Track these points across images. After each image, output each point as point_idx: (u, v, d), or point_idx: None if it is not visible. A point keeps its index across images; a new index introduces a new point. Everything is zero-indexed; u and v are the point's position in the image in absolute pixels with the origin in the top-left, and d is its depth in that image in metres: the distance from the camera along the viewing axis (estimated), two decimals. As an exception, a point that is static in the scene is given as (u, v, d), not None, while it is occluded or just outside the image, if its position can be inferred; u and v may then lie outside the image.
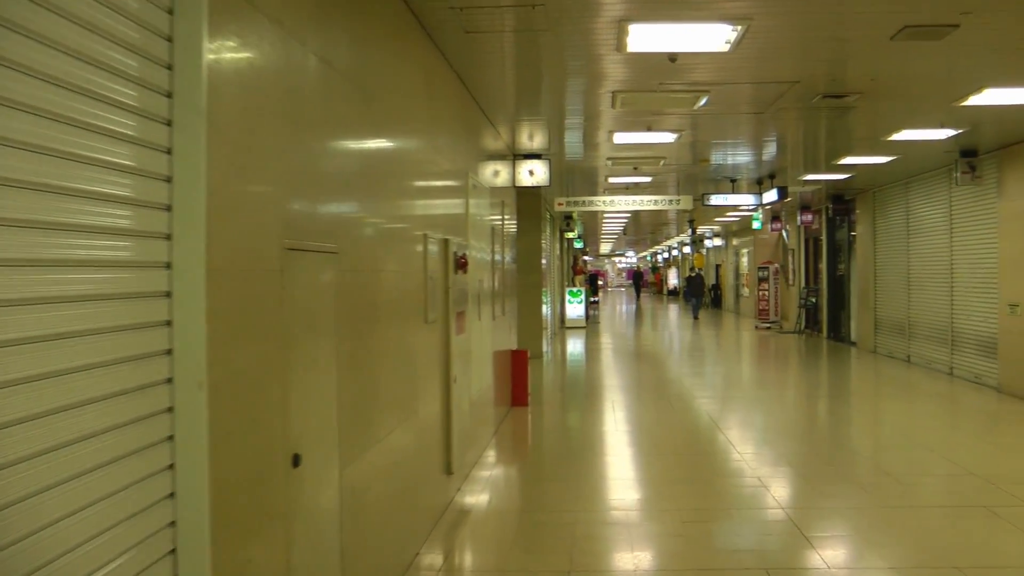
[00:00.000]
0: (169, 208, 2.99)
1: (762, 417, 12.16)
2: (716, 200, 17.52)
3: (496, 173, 12.22)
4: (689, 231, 34.50)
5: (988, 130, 12.61)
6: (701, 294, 35.34)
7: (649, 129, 11.66)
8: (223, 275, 3.26)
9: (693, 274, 35.30)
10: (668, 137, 12.11)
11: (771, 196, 16.93)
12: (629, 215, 29.04)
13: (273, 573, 3.76)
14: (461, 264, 8.12)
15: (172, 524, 2.99)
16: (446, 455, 7.69)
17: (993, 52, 8.09)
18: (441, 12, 6.68)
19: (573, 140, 13.00)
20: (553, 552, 6.50)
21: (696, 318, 33.30)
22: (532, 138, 12.88)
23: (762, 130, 12.24)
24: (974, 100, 9.94)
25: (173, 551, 2.98)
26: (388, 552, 5.70)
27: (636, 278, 59.59)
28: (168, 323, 3.00)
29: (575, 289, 30.43)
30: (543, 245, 20.88)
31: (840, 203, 21.90)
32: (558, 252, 28.58)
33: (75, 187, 2.50)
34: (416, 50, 6.85)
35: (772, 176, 17.18)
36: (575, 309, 29.99)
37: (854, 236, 22.07)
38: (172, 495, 2.99)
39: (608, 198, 17.65)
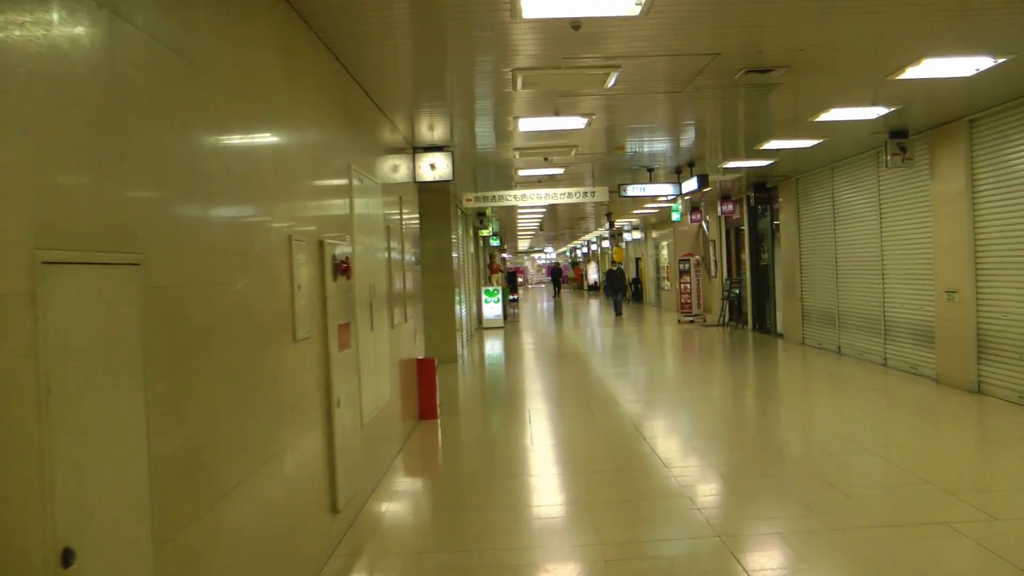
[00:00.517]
0: None
1: (690, 422, 11.20)
2: (633, 191, 16.56)
3: (395, 168, 11.12)
4: (607, 224, 33.47)
5: (919, 110, 11.82)
6: (622, 289, 34.18)
7: (557, 114, 10.62)
8: None
9: (614, 268, 34.03)
10: (579, 122, 11.07)
11: (691, 185, 16.02)
12: (545, 210, 27.97)
13: None
14: (342, 269, 6.98)
15: None
16: (331, 491, 6.55)
17: (942, 14, 7.20)
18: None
19: (476, 130, 11.91)
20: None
21: (619, 314, 32.26)
22: (432, 129, 11.77)
23: (680, 113, 11.27)
24: (911, 72, 9.07)
25: None
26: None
27: (555, 274, 58.72)
28: None
29: (492, 288, 29.37)
30: (454, 243, 19.79)
31: (762, 191, 21.14)
32: (472, 251, 27.50)
33: None
34: (269, 17, 5.69)
35: (691, 164, 16.28)
36: (492, 309, 28.99)
37: (777, 225, 21.33)
38: None
39: (520, 192, 16.59)
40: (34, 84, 2.91)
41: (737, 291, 24.76)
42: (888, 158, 13.45)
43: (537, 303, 50.35)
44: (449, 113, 10.81)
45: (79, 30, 3.21)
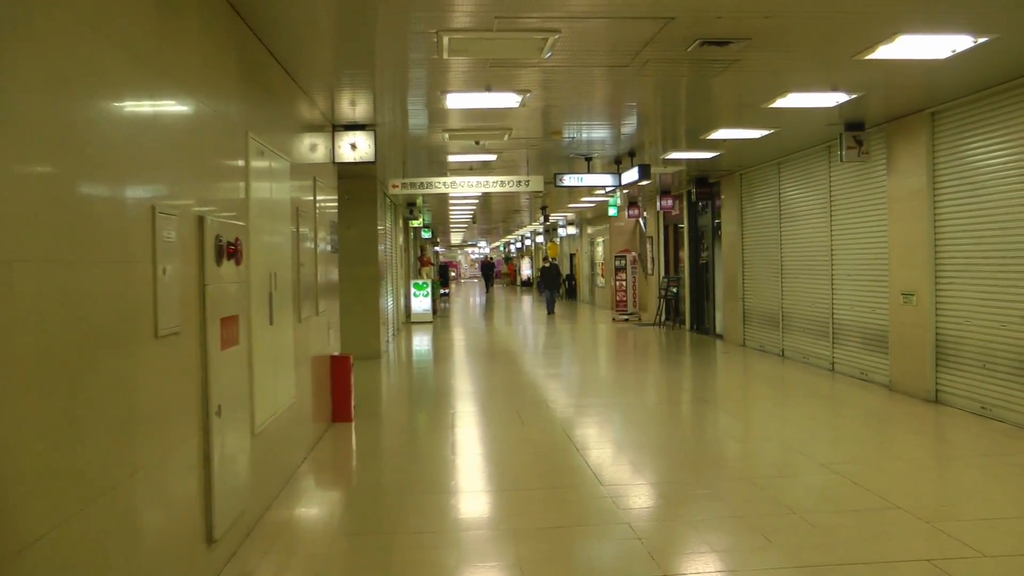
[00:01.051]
0: None
1: (627, 431, 10.21)
2: (570, 181, 15.56)
3: (311, 147, 10.02)
4: (542, 219, 32.41)
5: (878, 100, 11.01)
6: (556, 286, 32.95)
7: (489, 89, 9.56)
8: None
9: (547, 264, 32.92)
10: (512, 100, 10.02)
11: (631, 176, 15.07)
12: (477, 201, 26.88)
13: None
14: (230, 252, 5.87)
15: None
16: (206, 517, 5.44)
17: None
18: None
19: (402, 107, 10.81)
20: None
21: (551, 312, 31.06)
22: (354, 105, 10.68)
23: (623, 93, 10.27)
24: (882, 52, 8.19)
25: None
26: None
27: (486, 269, 57.66)
28: None
29: (421, 281, 28.26)
30: (381, 233, 18.66)
31: (704, 187, 20.28)
32: (401, 242, 26.37)
33: None
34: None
35: (632, 154, 15.33)
36: (421, 303, 27.90)
37: (719, 222, 20.48)
38: None
39: (450, 179, 15.50)
40: None
41: (675, 290, 23.93)
42: (843, 152, 12.62)
43: (469, 298, 49.27)
44: (372, 86, 9.72)
45: None
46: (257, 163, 6.94)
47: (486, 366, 16.81)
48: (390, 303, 21.60)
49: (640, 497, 7.41)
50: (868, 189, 13.19)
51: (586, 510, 7.04)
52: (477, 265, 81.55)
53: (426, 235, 36.81)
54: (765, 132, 12.96)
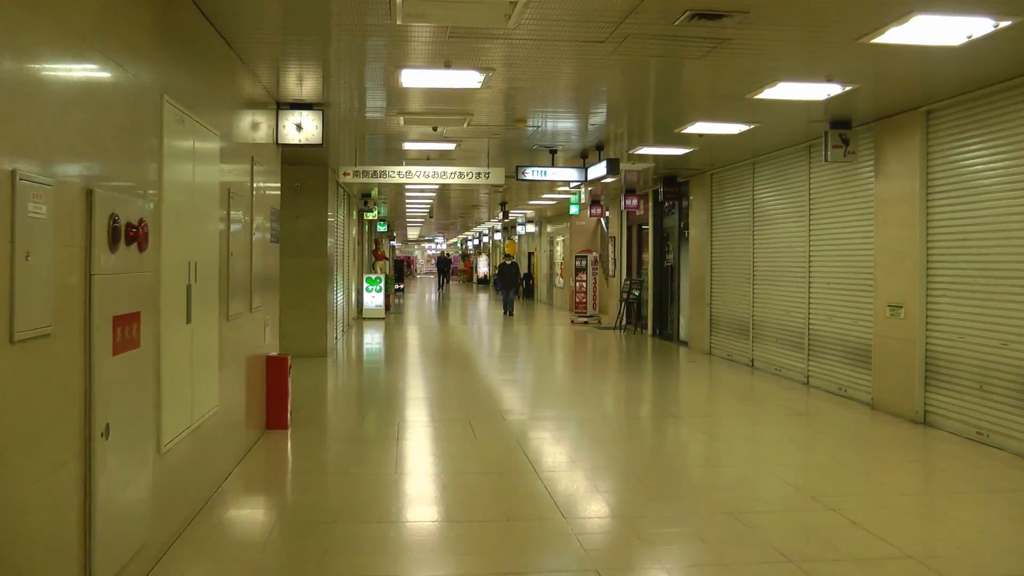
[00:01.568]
0: None
1: (592, 450, 9.23)
2: (532, 174, 14.55)
3: (250, 124, 9.01)
4: (501, 215, 31.29)
5: (868, 96, 10.17)
6: (515, 285, 31.27)
7: (448, 66, 8.55)
8: None
9: (507, 262, 31.26)
10: (473, 79, 9.01)
11: (598, 171, 14.12)
12: (434, 194, 25.80)
13: None
14: (132, 236, 4.84)
15: None
16: (84, 563, 4.41)
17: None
18: None
19: (353, 84, 9.80)
20: None
21: (510, 313, 29.50)
22: (302, 81, 9.66)
23: (595, 75, 9.29)
24: (891, 34, 7.31)
25: None
26: None
27: (442, 265, 56.54)
28: None
29: (374, 276, 27.17)
30: (332, 224, 17.60)
31: (672, 186, 19.37)
32: (355, 234, 25.27)
33: None
34: None
35: (600, 147, 14.38)
36: (374, 298, 26.79)
37: (686, 224, 19.60)
38: None
39: (405, 168, 14.47)
40: None
41: (637, 293, 23.03)
42: (828, 151, 11.74)
43: (424, 294, 48.16)
44: (321, 57, 8.71)
45: None
46: (176, 133, 5.90)
47: (438, 368, 15.80)
48: (340, 298, 20.54)
49: (610, 534, 6.44)
50: (852, 192, 12.34)
51: (549, 551, 6.06)
52: (433, 261, 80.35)
53: (382, 228, 35.74)
54: (744, 127, 12.06)
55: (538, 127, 12.51)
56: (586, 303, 27.02)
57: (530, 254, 41.90)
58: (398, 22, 6.95)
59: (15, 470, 3.64)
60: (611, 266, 25.88)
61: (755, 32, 7.38)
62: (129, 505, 4.91)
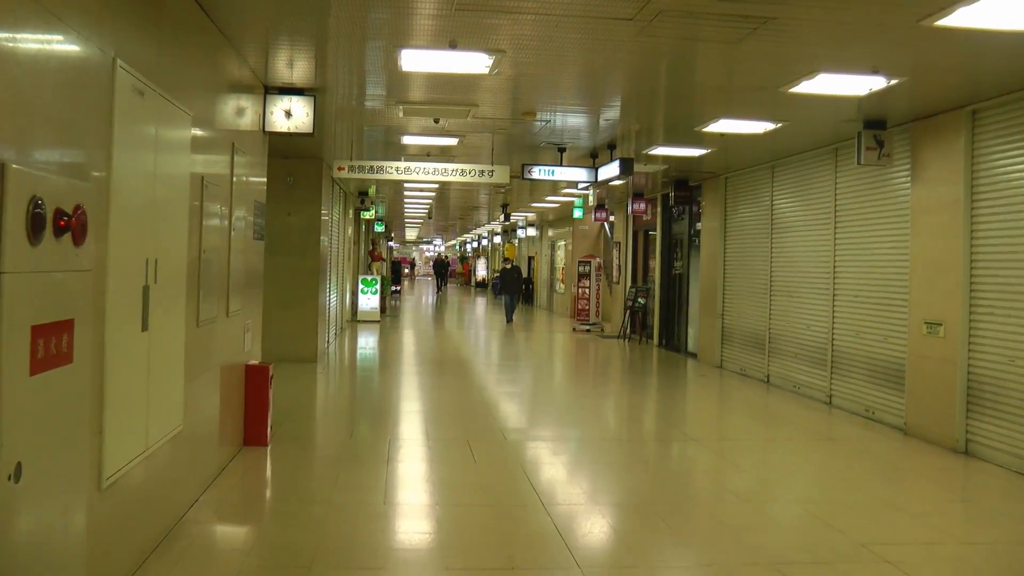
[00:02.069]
0: None
1: (606, 480, 8.30)
2: (539, 173, 13.63)
3: (233, 108, 8.16)
4: (502, 217, 30.24)
5: (905, 94, 9.30)
6: (517, 290, 29.47)
7: (454, 46, 7.63)
8: None
9: (508, 266, 29.40)
10: (480, 63, 8.10)
11: (610, 171, 13.21)
12: (433, 193, 24.81)
13: None
14: (61, 225, 3.91)
15: None
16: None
17: None
18: None
19: (348, 66, 8.89)
20: None
21: (509, 320, 27.95)
22: (292, 65, 8.78)
23: (617, 61, 8.37)
24: (959, 15, 6.40)
25: None
26: None
27: (439, 267, 55.56)
28: None
29: (370, 278, 26.24)
30: (325, 222, 16.68)
31: (683, 190, 18.45)
32: (350, 233, 24.35)
33: None
34: None
35: (612, 146, 13.47)
36: (369, 300, 25.88)
37: (697, 230, 18.69)
38: None
39: (404, 164, 13.55)
40: None
41: (643, 301, 22.09)
42: (861, 153, 10.84)
43: (422, 296, 47.20)
44: (315, 35, 7.81)
45: None
46: (132, 107, 4.99)
47: (434, 378, 14.86)
48: (334, 300, 19.61)
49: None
50: (884, 199, 11.43)
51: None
52: (431, 263, 79.42)
53: (379, 228, 34.83)
54: (770, 126, 11.15)
55: (547, 122, 11.60)
56: (588, 310, 26.10)
57: (530, 258, 40.97)
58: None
59: None
60: (615, 272, 24.96)
61: (803, 11, 6.49)
62: (53, 556, 3.99)
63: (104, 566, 4.72)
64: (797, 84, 8.70)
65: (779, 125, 11.06)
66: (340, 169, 13.36)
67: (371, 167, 13.41)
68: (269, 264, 15.54)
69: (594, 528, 6.66)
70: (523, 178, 13.70)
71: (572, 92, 9.93)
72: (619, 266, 24.57)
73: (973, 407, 9.54)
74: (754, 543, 6.39)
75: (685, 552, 6.23)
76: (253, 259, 9.10)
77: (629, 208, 21.23)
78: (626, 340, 22.32)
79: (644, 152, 13.80)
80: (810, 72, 8.31)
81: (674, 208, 19.44)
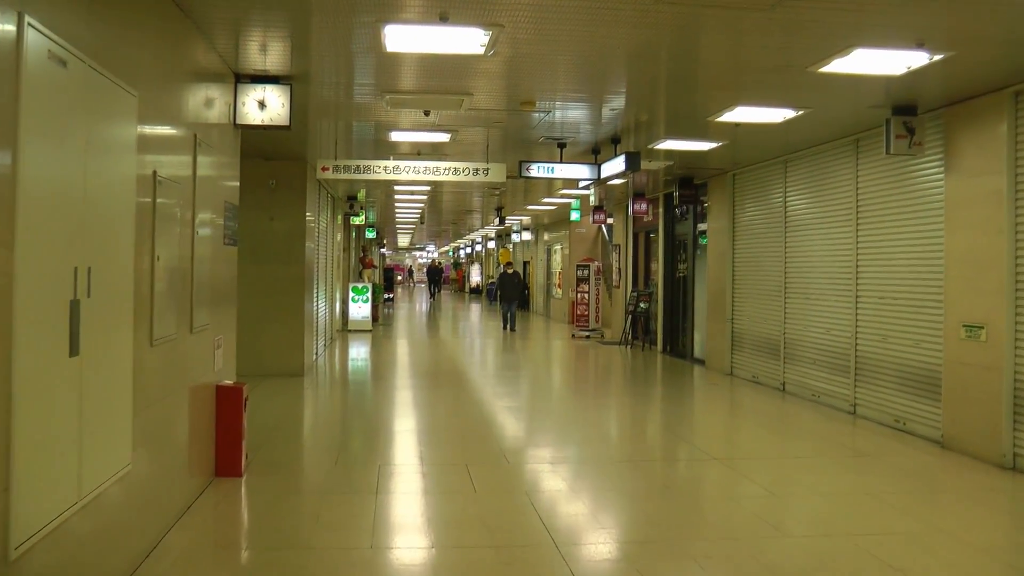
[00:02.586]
0: None
1: (627, 512, 7.36)
2: (538, 171, 12.71)
3: (206, 101, 7.33)
4: (497, 220, 29.16)
5: (936, 76, 8.44)
6: (516, 297, 27.63)
7: (444, 19, 6.71)
8: None
9: (508, 271, 27.66)
10: (476, 40, 7.18)
11: (615, 167, 12.28)
12: (425, 196, 23.81)
13: None
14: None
15: None
16: None
17: None
18: None
19: (329, 49, 7.97)
20: None
21: (512, 330, 26.36)
22: (266, 50, 7.88)
23: (627, 38, 7.48)
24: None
25: None
26: None
27: (432, 274, 54.58)
28: None
29: (360, 285, 25.30)
30: (311, 227, 15.74)
31: (688, 188, 17.53)
32: (339, 239, 23.41)
33: None
34: None
35: (616, 140, 12.55)
36: (360, 309, 24.95)
37: (703, 230, 17.77)
38: None
39: (392, 163, 12.61)
40: None
41: (645, 306, 21.17)
42: (891, 142, 9.94)
43: (415, 304, 46.21)
44: (289, 14, 6.93)
45: None
46: (52, 79, 4.08)
47: (429, 392, 13.91)
48: (323, 309, 18.68)
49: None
50: (913, 192, 10.54)
51: None
52: (424, 269, 78.46)
53: (370, 235, 33.89)
54: (792, 114, 10.25)
55: (547, 113, 10.69)
56: (588, 316, 25.17)
57: (525, 263, 40.03)
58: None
59: None
60: (615, 276, 24.05)
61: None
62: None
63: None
64: (828, 62, 7.80)
65: (799, 113, 10.16)
66: (324, 169, 12.42)
67: (357, 167, 12.47)
68: (251, 273, 14.68)
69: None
70: (521, 176, 12.79)
71: (574, 76, 8.99)
72: (619, 269, 23.66)
73: (1022, 418, 8.64)
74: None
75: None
76: (224, 267, 8.16)
77: (630, 209, 20.30)
78: (628, 347, 21.40)
79: (650, 147, 12.89)
80: (845, 48, 7.41)
81: (678, 208, 18.52)
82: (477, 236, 48.04)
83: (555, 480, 8.17)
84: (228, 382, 8.18)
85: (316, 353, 17.31)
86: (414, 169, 12.46)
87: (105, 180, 4.80)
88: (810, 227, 13.10)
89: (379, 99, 9.69)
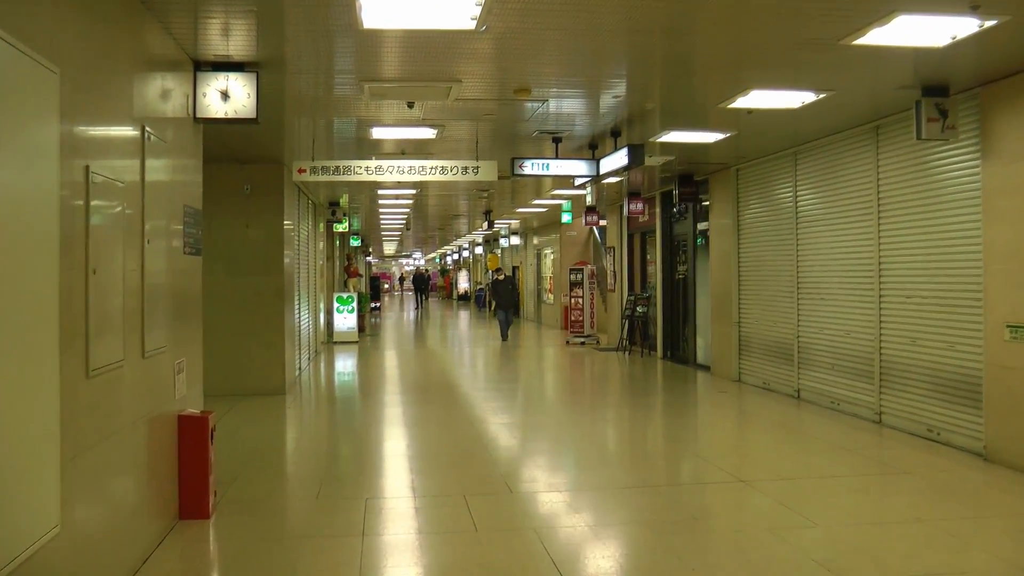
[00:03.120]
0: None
1: (654, 556, 6.39)
2: (533, 168, 11.78)
3: (153, 88, 6.38)
4: (485, 224, 28.05)
5: (970, 51, 7.60)
6: (513, 304, 26.38)
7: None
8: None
9: (501, 277, 26.28)
10: (464, 11, 6.28)
11: (616, 161, 11.37)
12: (411, 200, 22.78)
13: None
14: None
15: None
16: None
17: None
18: None
19: (298, 27, 7.04)
20: None
21: (505, 338, 24.84)
22: (228, 32, 6.93)
23: (639, 10, 6.59)
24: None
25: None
26: None
27: (418, 282, 53.55)
28: None
29: (345, 295, 24.33)
30: (290, 235, 14.79)
31: (688, 185, 16.63)
32: (322, 248, 22.44)
33: None
34: None
35: (615, 133, 11.64)
36: (346, 320, 24.01)
37: (705, 229, 16.87)
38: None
39: (374, 163, 11.66)
40: None
41: (643, 310, 20.25)
42: (922, 126, 9.03)
43: (403, 312, 45.17)
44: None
45: None
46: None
47: (421, 408, 12.93)
48: (306, 321, 17.72)
49: None
50: (942, 181, 9.67)
51: None
52: (410, 277, 77.49)
53: (355, 243, 32.89)
54: (812, 98, 9.34)
55: (542, 104, 9.77)
56: (582, 322, 24.24)
57: (514, 268, 39.09)
58: None
59: None
60: (610, 280, 23.13)
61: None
62: None
63: None
64: (865, 33, 6.90)
65: (821, 96, 9.25)
66: (300, 171, 11.46)
67: (336, 168, 11.51)
68: (226, 286, 13.71)
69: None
70: (513, 175, 11.87)
71: (571, 56, 8.00)
72: (614, 273, 22.74)
73: (1083, 428, 7.77)
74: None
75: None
76: (186, 280, 7.20)
77: (625, 209, 19.38)
78: (626, 353, 20.47)
79: (652, 140, 11.97)
80: (887, 14, 6.50)
81: (678, 206, 17.58)
82: (464, 242, 47.11)
83: (567, 513, 7.20)
84: (193, 411, 7.22)
85: (299, 368, 16.36)
86: (398, 169, 11.52)
87: (10, 174, 3.85)
88: (825, 222, 12.20)
89: (358, 90, 8.75)
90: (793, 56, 7.80)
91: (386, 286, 69.72)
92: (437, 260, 73.74)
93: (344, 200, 21.37)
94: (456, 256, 60.21)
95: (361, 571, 5.76)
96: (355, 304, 24.37)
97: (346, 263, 30.22)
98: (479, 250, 45.90)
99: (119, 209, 5.41)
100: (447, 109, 9.85)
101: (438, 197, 22.29)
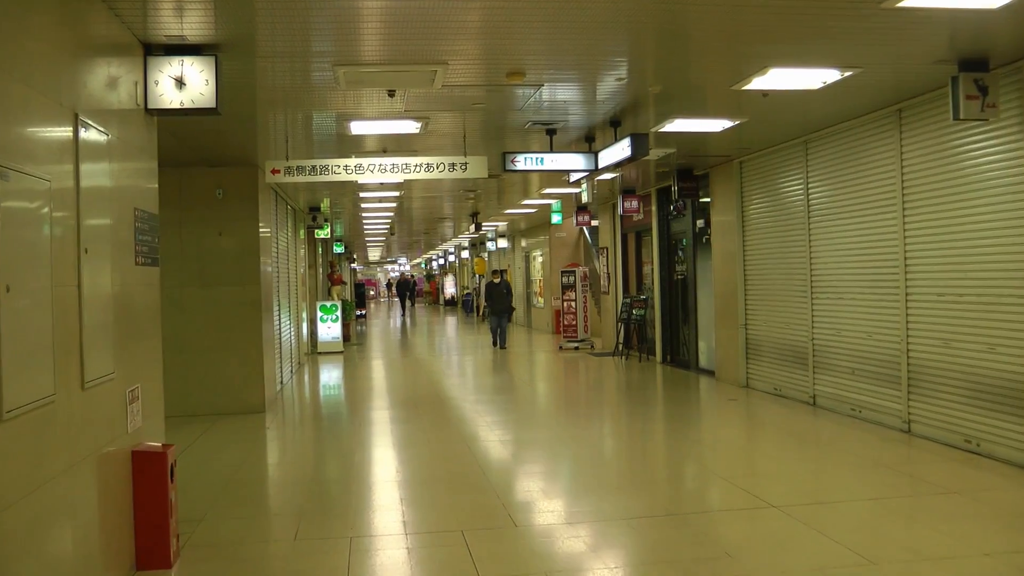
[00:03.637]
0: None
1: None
2: (526, 162, 10.87)
3: (105, 80, 5.60)
4: (472, 227, 27.05)
5: (1012, 20, 6.71)
6: (508, 310, 24.87)
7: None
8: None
9: (496, 280, 24.92)
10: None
11: (617, 152, 10.46)
12: (394, 204, 21.81)
13: None
14: None
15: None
16: None
17: None
18: None
19: (262, 1, 6.14)
20: None
21: (503, 347, 23.76)
22: (181, 7, 6.00)
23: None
24: None
25: None
26: None
27: (403, 288, 52.55)
28: None
29: (329, 304, 23.40)
30: (267, 242, 13.86)
31: (688, 180, 15.76)
32: (303, 255, 21.50)
33: None
34: None
35: (615, 123, 10.75)
36: (330, 329, 23.10)
37: (703, 227, 16.00)
38: None
39: (354, 162, 10.76)
40: None
41: (640, 312, 19.36)
42: (960, 104, 8.16)
43: (389, 319, 44.17)
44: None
45: None
46: None
47: (411, 426, 11.96)
48: (287, 332, 16.80)
49: None
50: (977, 167, 8.81)
51: None
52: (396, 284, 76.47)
53: (339, 249, 31.90)
54: (837, 76, 8.45)
55: (536, 90, 8.88)
56: (576, 326, 23.34)
57: (502, 272, 38.15)
58: None
59: None
60: (604, 282, 22.25)
61: None
62: None
63: None
64: (908, -4, 6.03)
65: (845, 75, 8.37)
66: (274, 172, 10.51)
67: (313, 167, 10.57)
68: (198, 298, 12.77)
69: None
70: (505, 171, 10.96)
71: (572, 35, 7.13)
72: (608, 274, 21.86)
73: None
74: None
75: None
76: (139, 294, 6.27)
77: (619, 207, 18.48)
78: (623, 358, 19.58)
79: (655, 129, 11.08)
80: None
81: (677, 202, 16.66)
82: (450, 246, 46.21)
83: (583, 553, 6.28)
84: (152, 444, 6.29)
85: (280, 383, 15.43)
86: (380, 167, 10.60)
87: None
88: (841, 216, 11.34)
89: (331, 75, 7.83)
90: (822, 26, 6.91)
91: (371, 293, 68.80)
92: (423, 265, 72.77)
93: (325, 204, 20.43)
94: (442, 261, 59.28)
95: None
96: (339, 313, 23.47)
97: (329, 270, 29.27)
98: (465, 254, 44.98)
99: (44, 212, 4.49)
100: (432, 98, 8.95)
101: (423, 199, 21.37)
